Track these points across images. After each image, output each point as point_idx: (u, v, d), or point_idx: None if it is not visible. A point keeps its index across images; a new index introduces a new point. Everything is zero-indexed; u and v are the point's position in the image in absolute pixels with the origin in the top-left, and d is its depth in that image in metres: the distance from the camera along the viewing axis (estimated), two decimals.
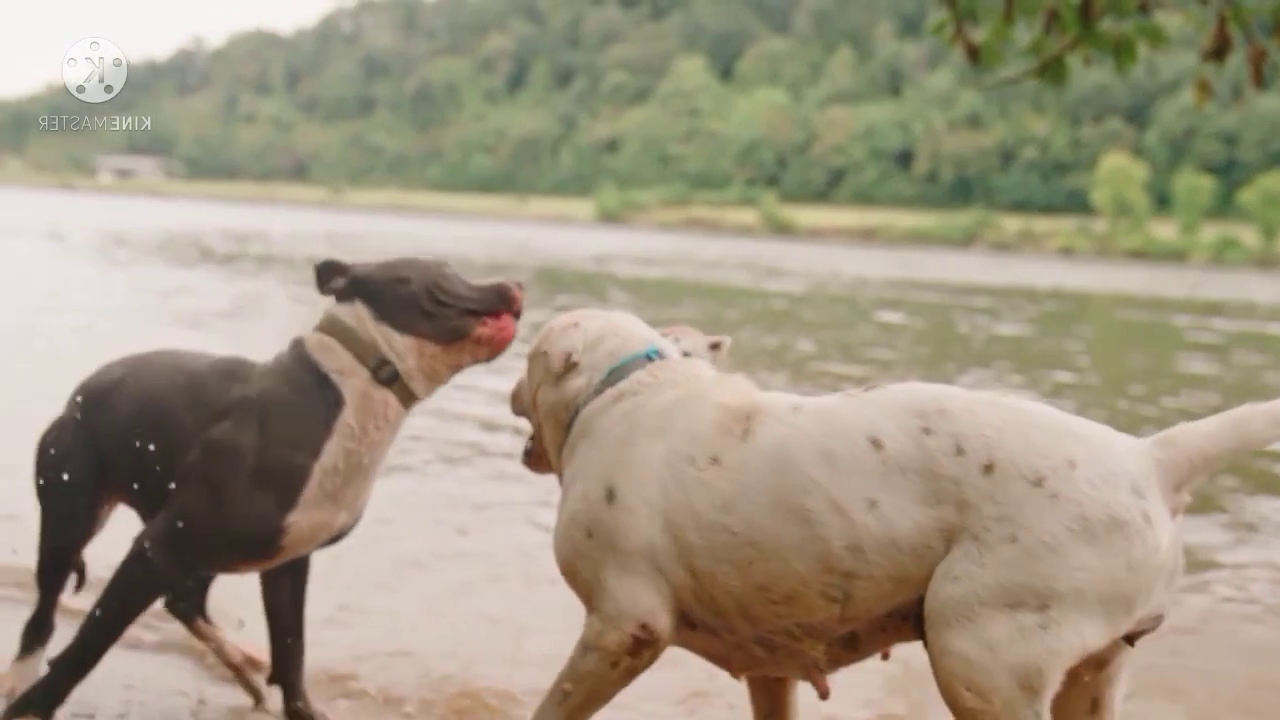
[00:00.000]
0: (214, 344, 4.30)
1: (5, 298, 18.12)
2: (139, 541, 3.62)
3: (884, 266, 52.54)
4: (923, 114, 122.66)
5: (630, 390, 3.19)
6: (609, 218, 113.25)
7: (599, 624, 3.04)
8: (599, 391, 3.24)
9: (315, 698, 4.03)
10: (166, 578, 3.66)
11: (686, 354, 3.43)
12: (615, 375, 3.24)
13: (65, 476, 3.85)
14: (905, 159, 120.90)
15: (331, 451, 3.59)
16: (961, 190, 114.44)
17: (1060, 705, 2.88)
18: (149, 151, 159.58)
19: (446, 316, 3.64)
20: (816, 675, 3.05)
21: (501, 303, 3.67)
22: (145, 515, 3.83)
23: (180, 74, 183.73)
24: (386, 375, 3.64)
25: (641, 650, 3.01)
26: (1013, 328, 24.33)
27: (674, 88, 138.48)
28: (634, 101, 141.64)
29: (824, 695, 3.08)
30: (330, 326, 3.71)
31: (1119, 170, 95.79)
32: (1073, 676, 2.84)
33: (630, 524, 3.00)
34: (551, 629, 4.72)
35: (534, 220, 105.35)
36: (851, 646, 3.00)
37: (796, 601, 2.92)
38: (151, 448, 3.71)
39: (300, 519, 3.57)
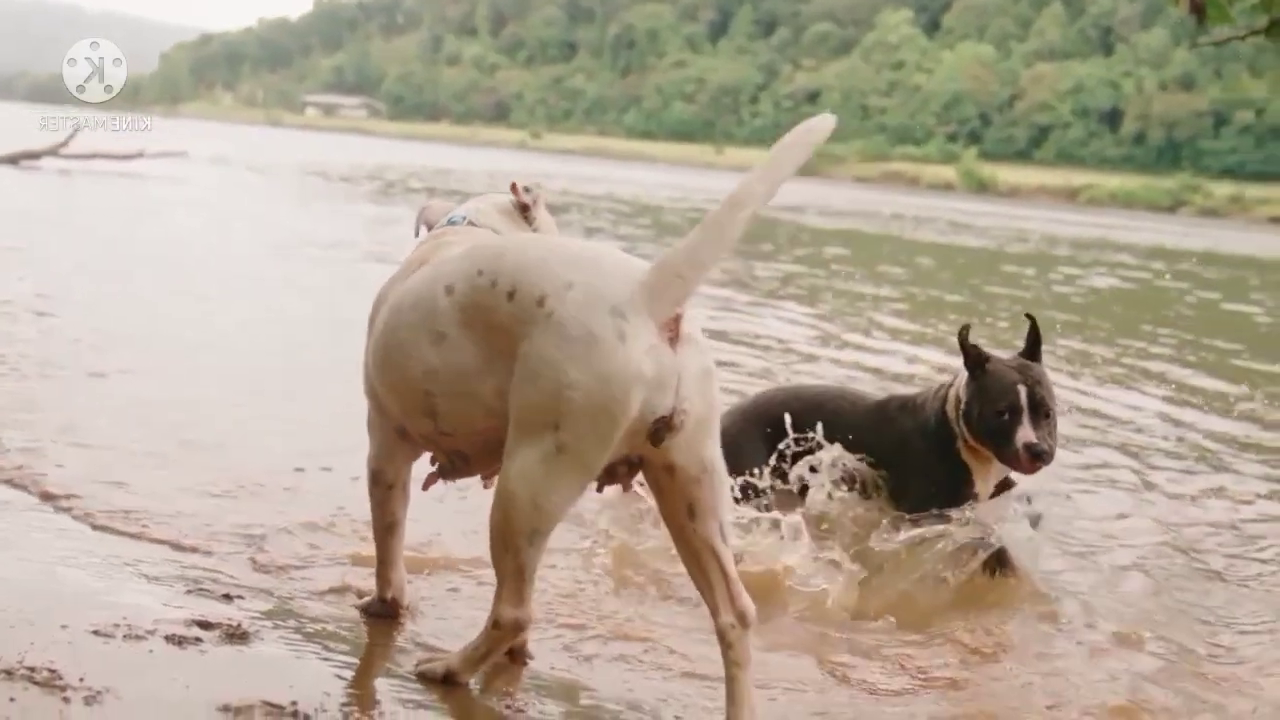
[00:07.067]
0: None
1: (219, 229, 18.83)
2: None
3: (1075, 228, 51.41)
4: (1133, 73, 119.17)
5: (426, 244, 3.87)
6: (805, 170, 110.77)
7: None
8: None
9: None
10: None
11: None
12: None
13: None
14: (1113, 119, 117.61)
15: None
16: (1170, 153, 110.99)
17: (665, 514, 3.37)
18: (354, 90, 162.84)
19: None
20: (448, 479, 3.79)
21: None
22: None
23: (388, 14, 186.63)
24: None
25: (372, 423, 3.81)
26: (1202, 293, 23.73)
27: (878, 39, 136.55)
28: (837, 53, 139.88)
29: (425, 489, 3.87)
30: None
31: None
32: (657, 487, 3.36)
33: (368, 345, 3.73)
34: None
35: (729, 170, 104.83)
36: (465, 461, 3.63)
37: (409, 412, 3.56)
38: None
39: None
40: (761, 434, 5.42)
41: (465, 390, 3.36)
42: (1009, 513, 5.16)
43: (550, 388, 3.10)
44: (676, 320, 3.15)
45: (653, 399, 3.12)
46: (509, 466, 3.22)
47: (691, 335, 3.20)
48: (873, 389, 7.66)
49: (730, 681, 3.36)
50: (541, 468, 3.15)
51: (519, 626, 3.40)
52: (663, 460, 3.26)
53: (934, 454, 5.14)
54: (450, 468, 3.71)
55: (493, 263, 3.31)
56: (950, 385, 5.20)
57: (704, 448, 3.27)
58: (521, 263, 3.25)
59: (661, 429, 3.17)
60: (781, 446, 5.39)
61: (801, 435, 5.36)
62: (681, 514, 3.34)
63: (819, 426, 5.34)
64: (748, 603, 3.37)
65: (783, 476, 5.33)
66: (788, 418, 5.37)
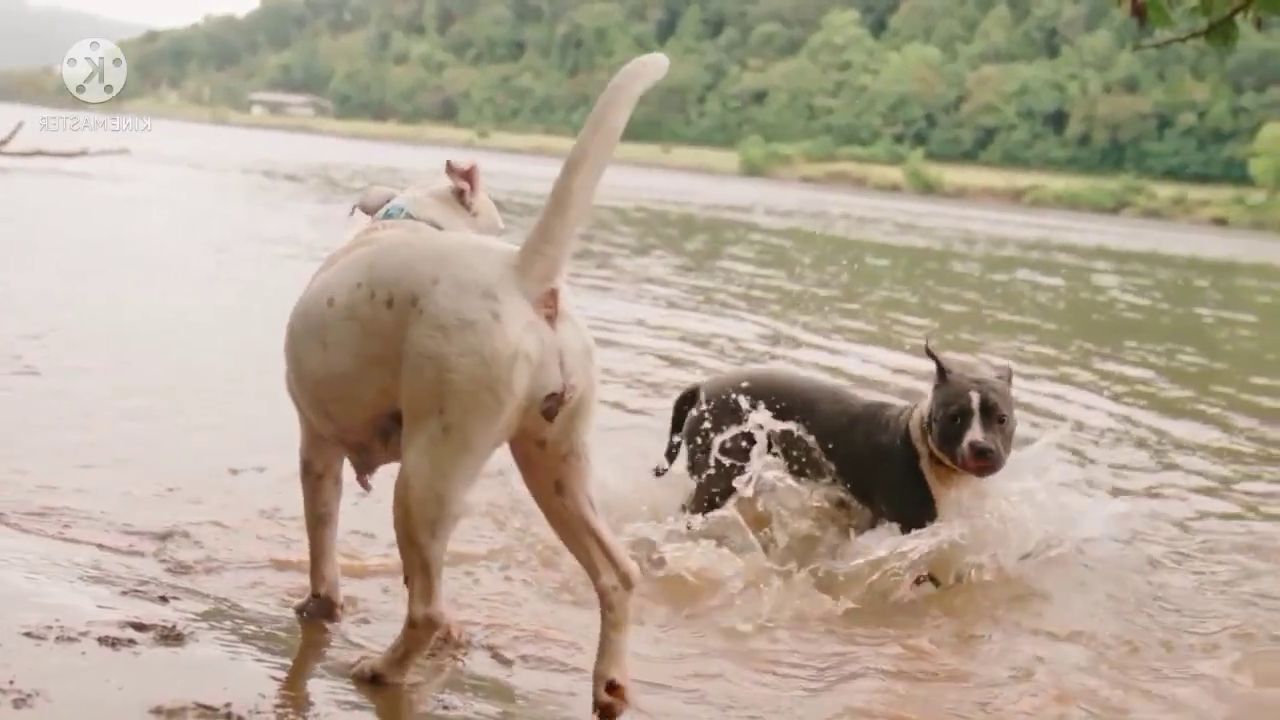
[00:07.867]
0: None
1: (164, 225, 18.66)
2: None
3: (1021, 229, 51.78)
4: (1078, 75, 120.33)
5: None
6: (752, 170, 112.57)
7: None
8: None
9: None
10: None
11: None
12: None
13: None
14: (1058, 121, 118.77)
15: None
16: (1114, 155, 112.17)
17: (532, 489, 3.44)
18: (301, 89, 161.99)
19: None
20: (364, 473, 3.76)
21: None
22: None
23: (336, 11, 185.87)
24: None
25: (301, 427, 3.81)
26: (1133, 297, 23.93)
27: (825, 40, 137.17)
28: (784, 53, 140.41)
29: (365, 488, 3.81)
30: None
31: None
32: (525, 462, 3.42)
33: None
34: None
35: (676, 170, 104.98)
36: (369, 453, 3.64)
37: (313, 413, 3.65)
38: None
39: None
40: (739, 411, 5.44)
41: (350, 395, 3.45)
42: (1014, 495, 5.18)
43: (432, 374, 3.16)
44: (553, 296, 3.21)
45: (539, 376, 3.19)
46: (404, 461, 3.26)
47: (569, 313, 3.25)
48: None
49: (605, 641, 3.40)
50: (431, 453, 3.19)
51: (432, 623, 3.39)
52: (535, 435, 3.31)
53: (898, 470, 5.15)
54: (360, 462, 3.74)
55: (366, 273, 3.38)
56: (919, 405, 5.22)
57: (579, 424, 3.33)
58: (392, 269, 3.32)
59: (554, 405, 3.23)
60: (693, 414, 5.45)
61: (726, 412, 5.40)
62: (549, 489, 3.41)
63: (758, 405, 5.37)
64: (632, 565, 3.43)
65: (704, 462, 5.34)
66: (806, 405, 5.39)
